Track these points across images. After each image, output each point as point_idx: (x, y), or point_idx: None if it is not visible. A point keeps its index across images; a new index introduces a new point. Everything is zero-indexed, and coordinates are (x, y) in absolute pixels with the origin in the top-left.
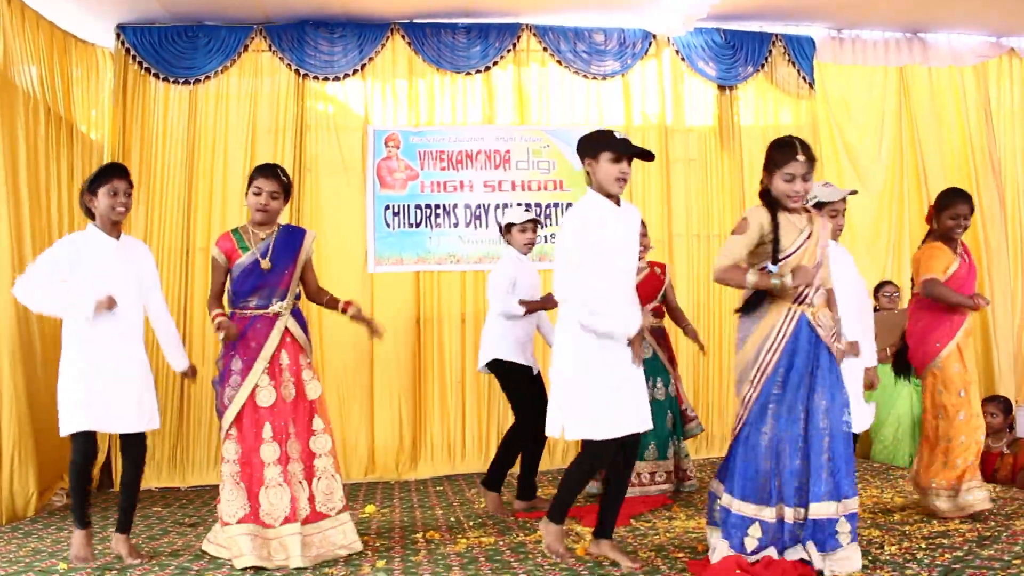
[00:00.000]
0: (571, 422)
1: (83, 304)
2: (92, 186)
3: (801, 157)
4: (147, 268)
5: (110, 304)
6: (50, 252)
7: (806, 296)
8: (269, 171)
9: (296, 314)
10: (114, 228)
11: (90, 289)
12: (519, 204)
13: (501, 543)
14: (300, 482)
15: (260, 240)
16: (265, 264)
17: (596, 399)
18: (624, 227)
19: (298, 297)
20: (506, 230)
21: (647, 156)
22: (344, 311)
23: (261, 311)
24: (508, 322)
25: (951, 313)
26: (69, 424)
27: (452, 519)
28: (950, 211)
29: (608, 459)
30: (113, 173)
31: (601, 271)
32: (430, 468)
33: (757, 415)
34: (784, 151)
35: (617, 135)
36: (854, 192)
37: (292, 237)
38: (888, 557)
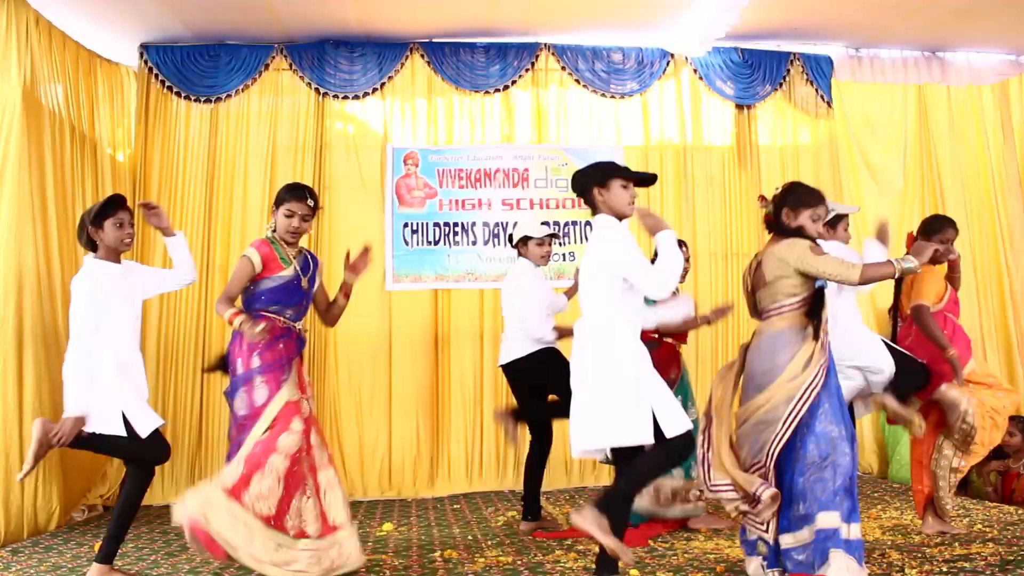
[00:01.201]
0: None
1: (81, 408)
2: (98, 219)
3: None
4: (145, 272)
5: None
6: (83, 306)
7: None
8: (301, 194)
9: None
10: (117, 256)
11: (106, 333)
12: (544, 223)
13: (519, 562)
14: (325, 492)
15: (293, 258)
16: (305, 284)
17: (669, 398)
18: None
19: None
20: (522, 243)
21: (651, 180)
22: (346, 291)
23: (292, 324)
24: (524, 336)
25: (956, 337)
26: (149, 423)
27: (470, 537)
28: (941, 236)
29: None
30: (118, 205)
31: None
32: (447, 486)
33: None
34: (817, 194)
35: (618, 163)
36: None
37: (314, 263)
38: None
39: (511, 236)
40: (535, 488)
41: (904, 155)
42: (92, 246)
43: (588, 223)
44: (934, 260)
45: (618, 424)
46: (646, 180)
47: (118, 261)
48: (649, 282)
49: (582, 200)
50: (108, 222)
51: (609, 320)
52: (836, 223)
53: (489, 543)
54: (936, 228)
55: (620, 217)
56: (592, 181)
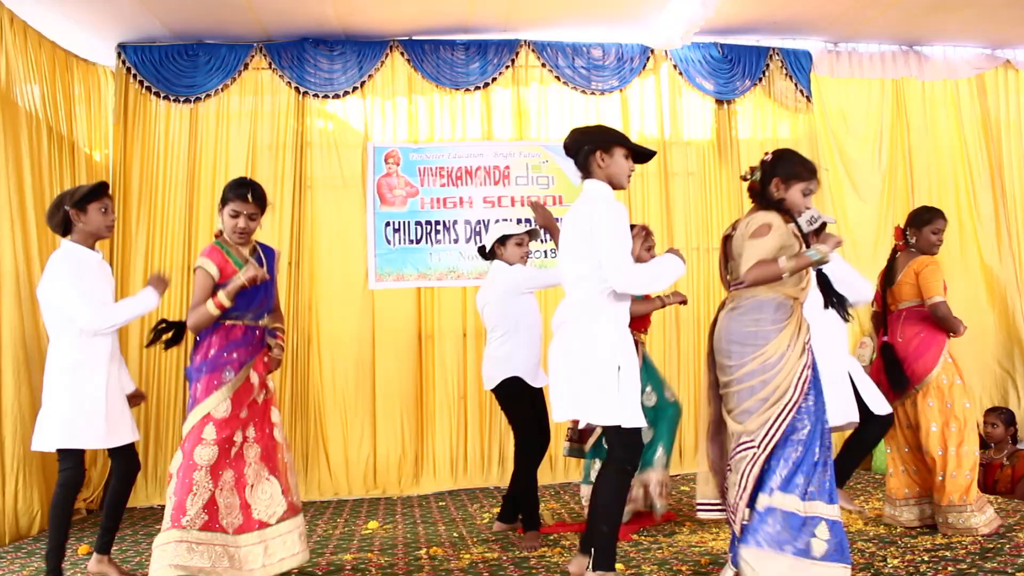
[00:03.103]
0: (627, 413)
1: (146, 298)
2: (82, 203)
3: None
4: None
5: (165, 280)
6: (73, 277)
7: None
8: (243, 192)
9: (271, 333)
10: (94, 243)
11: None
12: (519, 220)
13: (504, 559)
14: (251, 486)
15: (246, 257)
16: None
17: (636, 387)
18: None
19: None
20: (499, 244)
21: (651, 155)
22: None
23: (253, 323)
24: (517, 341)
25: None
26: (81, 440)
27: (455, 535)
28: (933, 226)
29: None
30: (104, 191)
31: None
32: (432, 483)
33: None
34: (810, 167)
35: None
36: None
37: (268, 255)
38: (891, 570)
39: (482, 247)
40: (519, 490)
41: (881, 149)
42: (63, 230)
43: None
44: (927, 251)
45: (607, 402)
46: (647, 155)
47: (94, 248)
48: (621, 274)
49: (573, 158)
50: (93, 206)
51: (598, 296)
52: (820, 231)
53: (474, 540)
54: (926, 219)
55: (613, 187)
56: (596, 143)
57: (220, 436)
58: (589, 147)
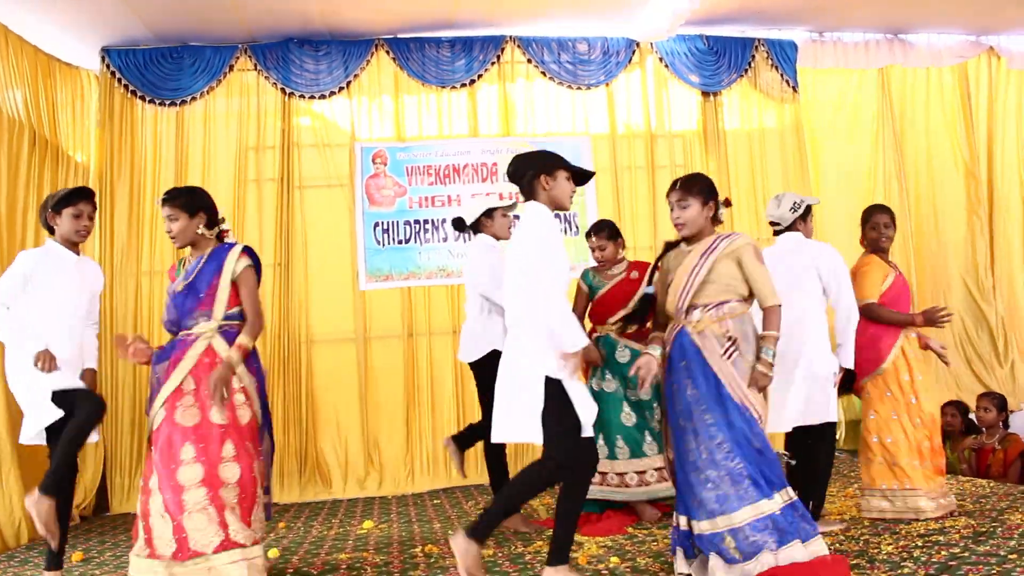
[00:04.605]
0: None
1: (34, 341)
2: (58, 206)
3: (673, 190)
4: (98, 288)
5: (50, 362)
6: (8, 274)
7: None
8: (87, 193)
9: (228, 335)
10: (74, 245)
11: (45, 311)
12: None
13: (500, 555)
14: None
15: (189, 265)
16: (179, 286)
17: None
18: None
19: (240, 318)
20: (486, 216)
21: (590, 177)
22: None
23: (185, 332)
24: (493, 316)
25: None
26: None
27: (450, 532)
28: (871, 222)
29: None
30: (80, 196)
31: (559, 286)
32: (427, 482)
33: None
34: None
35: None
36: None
37: (218, 255)
38: (884, 556)
39: (458, 221)
40: (503, 481)
41: (867, 138)
42: (49, 230)
43: (557, 214)
44: (872, 247)
45: (529, 418)
46: (586, 177)
47: (76, 251)
48: (541, 290)
49: (517, 184)
50: (67, 211)
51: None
52: (806, 215)
53: None
54: (866, 217)
55: (557, 208)
56: (539, 167)
57: (153, 444)
58: (533, 171)
